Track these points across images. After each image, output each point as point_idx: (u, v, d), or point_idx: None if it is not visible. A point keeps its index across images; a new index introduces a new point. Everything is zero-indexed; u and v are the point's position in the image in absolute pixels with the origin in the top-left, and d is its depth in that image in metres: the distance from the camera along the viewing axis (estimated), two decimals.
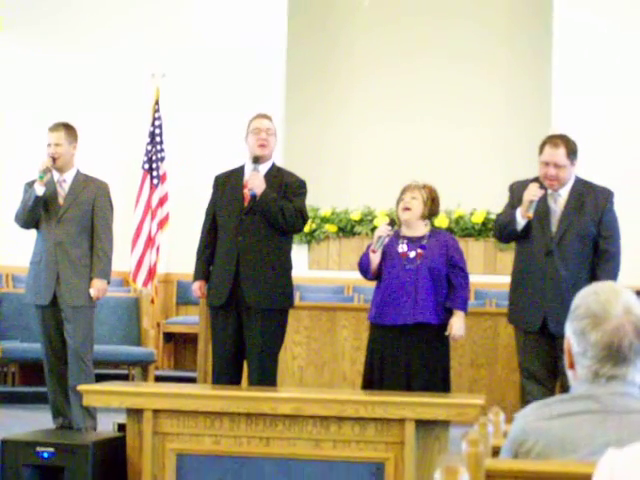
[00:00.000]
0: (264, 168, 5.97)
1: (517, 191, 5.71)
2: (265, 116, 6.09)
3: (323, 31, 11.77)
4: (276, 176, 5.97)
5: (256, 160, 5.91)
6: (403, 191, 5.87)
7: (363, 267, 5.81)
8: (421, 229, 5.82)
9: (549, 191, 5.65)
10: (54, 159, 6.48)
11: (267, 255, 5.85)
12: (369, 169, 11.48)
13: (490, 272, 10.35)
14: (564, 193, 5.66)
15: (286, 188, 5.93)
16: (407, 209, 5.79)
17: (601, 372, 2.27)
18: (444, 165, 11.15)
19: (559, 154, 5.59)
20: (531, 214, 5.56)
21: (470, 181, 11.06)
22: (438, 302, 5.71)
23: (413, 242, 5.76)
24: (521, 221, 5.63)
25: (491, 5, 11.53)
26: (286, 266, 5.97)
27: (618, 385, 2.27)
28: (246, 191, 5.90)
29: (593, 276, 5.58)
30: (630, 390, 2.28)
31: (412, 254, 5.72)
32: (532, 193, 5.55)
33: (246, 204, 5.88)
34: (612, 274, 5.63)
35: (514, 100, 11.34)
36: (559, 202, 5.66)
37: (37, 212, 6.45)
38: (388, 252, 5.74)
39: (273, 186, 5.88)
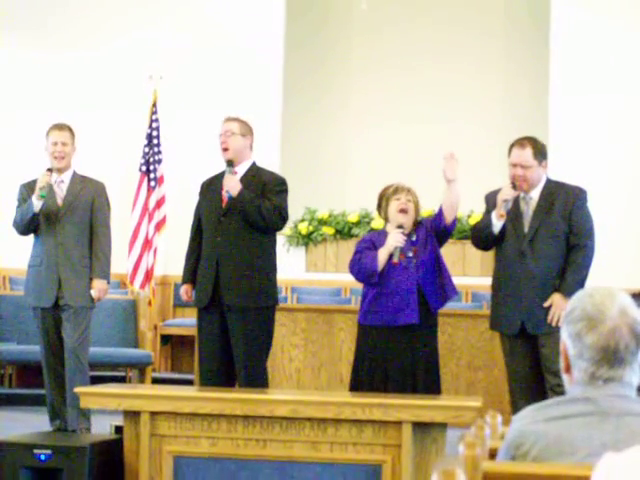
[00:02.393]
0: (242, 168, 6.01)
1: (492, 199, 5.78)
2: (227, 119, 6.12)
3: (321, 34, 11.78)
4: (254, 175, 6.00)
5: (229, 163, 5.95)
6: (394, 191, 5.80)
7: (368, 272, 5.68)
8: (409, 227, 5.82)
9: (521, 194, 5.72)
10: (61, 158, 6.50)
11: (246, 255, 5.88)
12: (366, 171, 11.48)
13: (487, 275, 10.33)
14: (535, 195, 5.74)
15: (264, 187, 5.94)
16: (404, 211, 5.75)
17: (597, 374, 2.28)
18: (441, 168, 11.13)
19: (526, 154, 5.69)
20: (504, 213, 5.62)
21: (467, 183, 11.04)
22: (437, 290, 5.69)
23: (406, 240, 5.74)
24: (497, 223, 5.68)
25: (488, 8, 11.54)
26: (267, 265, 5.97)
27: (615, 387, 2.28)
28: (224, 193, 5.93)
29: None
30: (626, 392, 2.28)
31: (410, 253, 5.71)
32: (505, 193, 5.65)
33: (224, 205, 5.92)
34: (579, 265, 5.63)
35: (511, 102, 11.35)
36: (530, 204, 5.74)
37: (34, 223, 6.47)
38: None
39: (251, 186, 5.91)
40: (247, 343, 5.80)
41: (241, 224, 5.88)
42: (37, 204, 6.37)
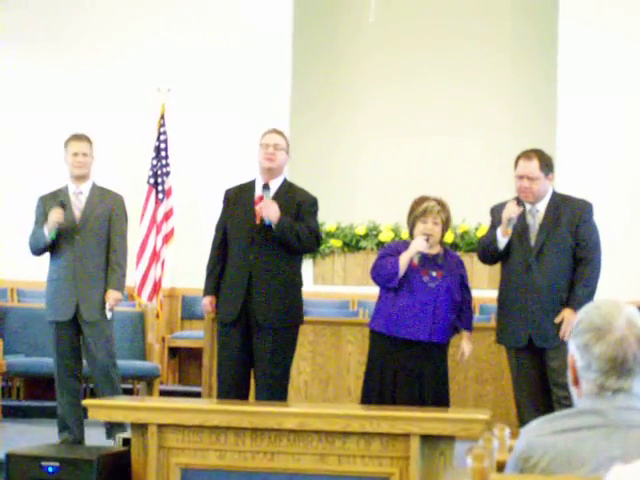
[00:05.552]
0: (275, 184, 5.98)
1: (498, 213, 5.79)
2: (275, 131, 6.11)
3: (328, 47, 11.79)
4: (287, 192, 5.97)
5: (266, 187, 5.93)
6: (423, 212, 5.81)
7: (389, 274, 5.72)
8: (436, 247, 5.84)
9: (527, 207, 5.73)
10: (82, 167, 6.55)
11: (278, 272, 5.85)
12: (374, 184, 11.49)
13: (495, 287, 10.31)
14: (541, 208, 5.75)
15: (299, 207, 5.93)
16: (429, 235, 5.77)
17: (606, 385, 2.28)
18: (449, 180, 11.14)
19: (532, 166, 5.71)
20: (510, 230, 5.63)
21: (475, 196, 11.06)
22: (451, 321, 5.76)
23: (430, 260, 5.77)
24: (502, 239, 5.70)
25: (495, 21, 11.55)
26: (297, 283, 5.98)
27: (624, 398, 2.27)
28: (257, 208, 5.89)
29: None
30: (635, 403, 2.28)
31: (434, 273, 5.74)
32: (511, 210, 5.66)
33: (258, 222, 5.88)
34: (588, 279, 5.63)
35: (519, 114, 11.34)
36: (537, 217, 5.75)
37: (47, 249, 6.57)
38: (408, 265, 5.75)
39: (286, 204, 5.88)
40: (274, 360, 5.79)
41: (274, 241, 5.83)
42: (49, 238, 6.43)
